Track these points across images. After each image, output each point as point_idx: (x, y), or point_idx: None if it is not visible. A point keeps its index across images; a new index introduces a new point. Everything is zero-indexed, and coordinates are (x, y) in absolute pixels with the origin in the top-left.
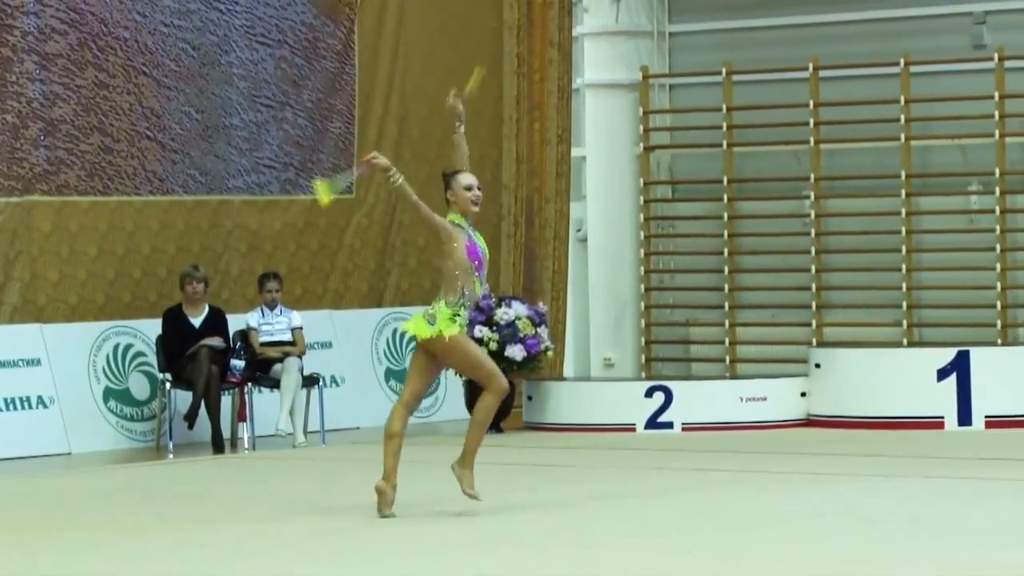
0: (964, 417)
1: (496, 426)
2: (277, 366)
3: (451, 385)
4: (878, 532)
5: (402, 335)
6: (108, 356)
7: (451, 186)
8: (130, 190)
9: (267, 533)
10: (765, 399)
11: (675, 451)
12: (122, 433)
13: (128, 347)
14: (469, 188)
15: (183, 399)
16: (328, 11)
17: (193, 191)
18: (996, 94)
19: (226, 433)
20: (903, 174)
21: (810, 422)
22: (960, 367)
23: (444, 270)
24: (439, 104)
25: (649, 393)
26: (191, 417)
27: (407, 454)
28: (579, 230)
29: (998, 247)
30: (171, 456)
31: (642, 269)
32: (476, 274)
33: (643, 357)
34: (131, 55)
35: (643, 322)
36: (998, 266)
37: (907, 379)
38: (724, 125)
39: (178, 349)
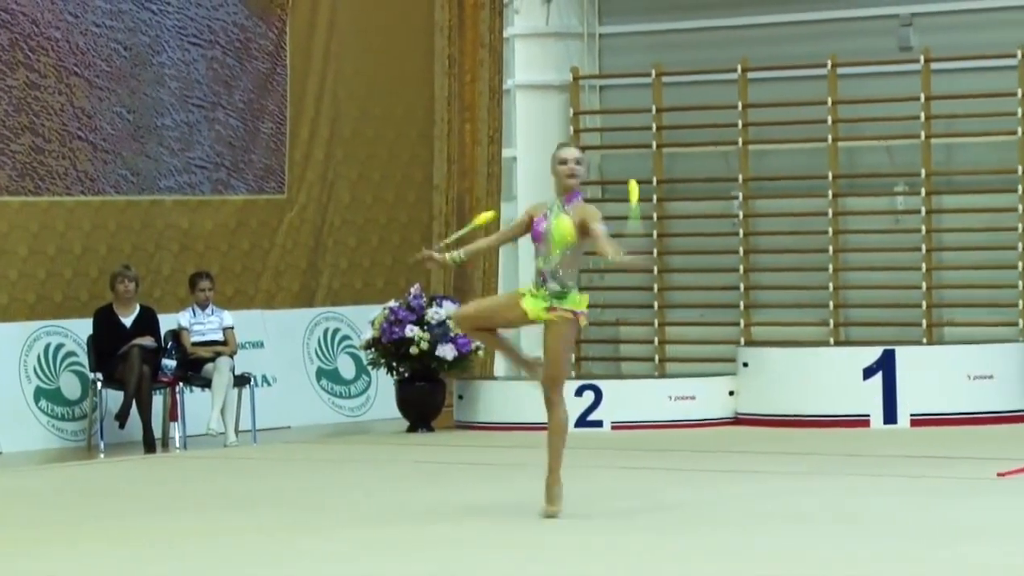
0: (890, 415)
1: (427, 425)
2: (208, 366)
3: (382, 385)
4: (806, 530)
5: (333, 334)
6: (39, 356)
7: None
8: (61, 190)
9: (199, 532)
10: (694, 398)
11: (605, 450)
12: (53, 433)
13: (59, 347)
14: (564, 162)
15: (114, 399)
16: (260, 12)
17: (125, 191)
18: (922, 96)
19: (157, 432)
20: (830, 175)
21: (738, 420)
22: (886, 366)
23: None
24: (370, 104)
25: (579, 392)
26: (122, 417)
27: (337, 454)
28: None
29: (924, 247)
30: (102, 456)
31: None
32: (539, 252)
33: (573, 356)
34: (63, 55)
35: None
36: (923, 266)
37: (834, 378)
38: (654, 126)
39: (109, 349)
